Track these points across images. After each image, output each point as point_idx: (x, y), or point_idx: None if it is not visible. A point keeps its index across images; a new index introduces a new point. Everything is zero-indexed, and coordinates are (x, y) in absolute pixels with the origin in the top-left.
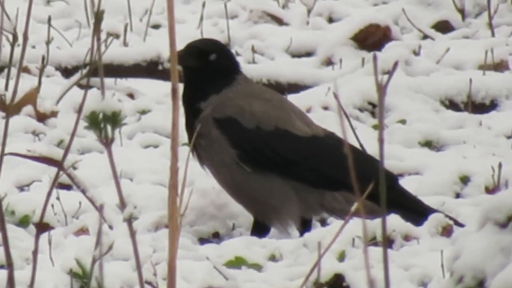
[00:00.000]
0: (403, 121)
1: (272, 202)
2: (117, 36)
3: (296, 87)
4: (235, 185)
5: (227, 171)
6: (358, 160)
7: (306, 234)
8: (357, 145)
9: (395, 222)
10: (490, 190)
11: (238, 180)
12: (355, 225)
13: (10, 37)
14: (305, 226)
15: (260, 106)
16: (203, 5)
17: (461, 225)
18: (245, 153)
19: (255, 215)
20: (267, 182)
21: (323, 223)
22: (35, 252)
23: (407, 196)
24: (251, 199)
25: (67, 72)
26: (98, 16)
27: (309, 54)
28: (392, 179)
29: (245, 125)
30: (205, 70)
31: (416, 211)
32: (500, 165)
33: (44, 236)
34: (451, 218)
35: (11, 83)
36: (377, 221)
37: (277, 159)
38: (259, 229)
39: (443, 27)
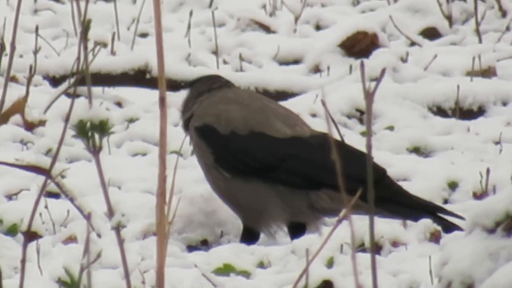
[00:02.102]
0: (391, 128)
1: (255, 206)
2: (104, 45)
3: (284, 95)
4: (219, 189)
5: (210, 175)
6: (344, 158)
7: (295, 241)
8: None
9: (383, 228)
10: (478, 196)
11: (220, 185)
12: (343, 231)
13: None
14: (298, 231)
15: (236, 111)
16: (191, 13)
17: (452, 227)
18: (222, 159)
19: (242, 220)
20: (248, 186)
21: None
22: (23, 261)
23: (396, 190)
24: (235, 204)
25: (55, 81)
26: (86, 25)
27: (296, 61)
28: (381, 173)
29: (221, 131)
30: None
31: (406, 205)
32: (488, 171)
33: (32, 245)
34: (443, 219)
35: None
36: (365, 227)
37: (254, 164)
38: (248, 236)
39: (431, 33)
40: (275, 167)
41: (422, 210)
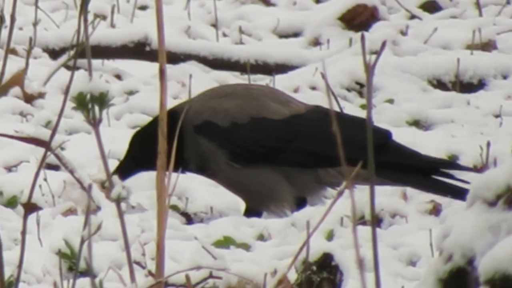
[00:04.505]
0: (390, 101)
1: (266, 192)
2: (104, 18)
3: (283, 68)
4: (230, 183)
5: (223, 172)
6: (346, 128)
7: (295, 213)
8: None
9: (384, 200)
10: (479, 169)
11: (231, 177)
12: (344, 204)
13: None
14: (299, 204)
15: (229, 101)
16: None
17: (462, 191)
18: (230, 151)
19: (250, 205)
20: (257, 174)
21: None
22: (23, 233)
23: (403, 151)
24: (246, 192)
25: (54, 53)
26: None
27: (296, 34)
28: (384, 136)
29: (221, 124)
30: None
31: (414, 166)
32: (488, 144)
33: (32, 217)
34: (454, 178)
35: None
36: (365, 200)
37: (260, 150)
38: (251, 213)
39: (431, 7)
40: (282, 149)
41: (433, 168)
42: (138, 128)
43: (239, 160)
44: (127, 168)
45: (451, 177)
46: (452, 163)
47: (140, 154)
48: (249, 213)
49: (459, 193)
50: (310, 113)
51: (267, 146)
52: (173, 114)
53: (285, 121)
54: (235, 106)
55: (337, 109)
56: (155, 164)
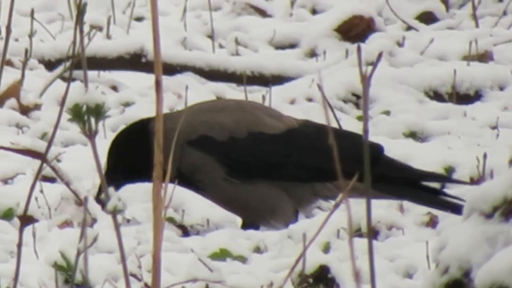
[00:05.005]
0: (387, 112)
1: (265, 207)
2: (100, 29)
3: (280, 79)
4: (228, 199)
5: (218, 188)
6: (340, 142)
7: (291, 226)
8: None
9: (380, 213)
10: (475, 180)
11: (228, 194)
12: (340, 216)
13: None
14: (293, 217)
15: (224, 116)
16: None
17: (460, 199)
18: (228, 166)
19: (251, 222)
20: (256, 189)
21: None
22: (19, 245)
23: (395, 165)
24: (245, 208)
25: (50, 65)
26: (81, 9)
27: (292, 46)
28: (377, 150)
29: (218, 138)
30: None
31: (406, 180)
32: (485, 156)
33: (28, 229)
34: (443, 202)
35: None
36: (362, 212)
37: (259, 165)
38: (249, 227)
39: (427, 18)
40: (280, 164)
41: (426, 180)
42: (112, 139)
43: (238, 175)
44: (111, 181)
45: (444, 194)
46: (444, 176)
47: (119, 165)
48: (246, 226)
49: (454, 208)
50: (303, 127)
51: (266, 160)
52: (144, 126)
53: (282, 135)
54: (231, 121)
55: (333, 121)
56: (135, 174)
